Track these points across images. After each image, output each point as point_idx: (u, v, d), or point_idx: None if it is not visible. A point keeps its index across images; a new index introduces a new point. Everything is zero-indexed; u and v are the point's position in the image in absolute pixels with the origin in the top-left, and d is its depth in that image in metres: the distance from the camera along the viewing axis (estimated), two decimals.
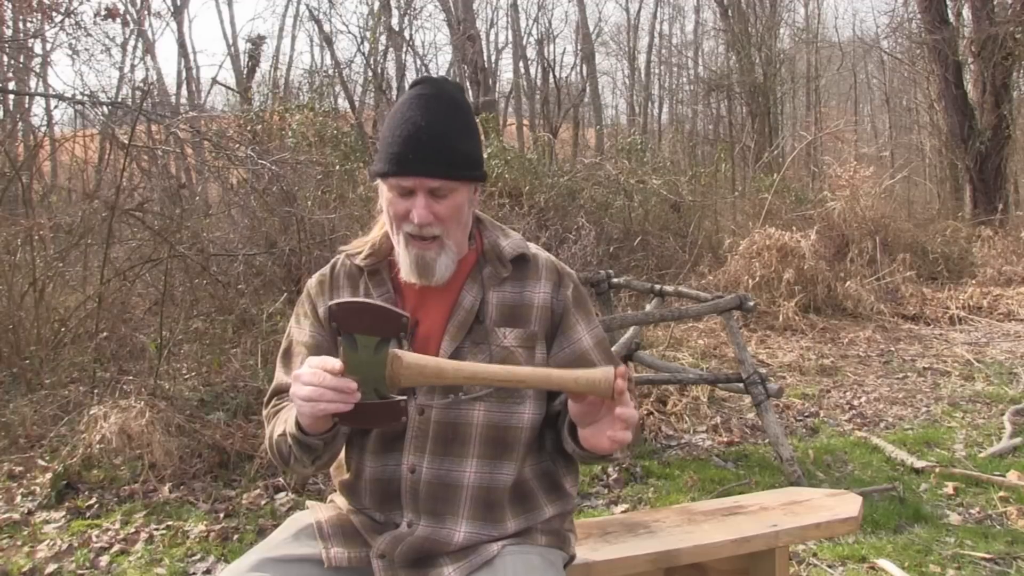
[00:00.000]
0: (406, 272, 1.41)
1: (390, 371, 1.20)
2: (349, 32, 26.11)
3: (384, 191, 1.43)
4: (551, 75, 21.20)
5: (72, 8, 6.52)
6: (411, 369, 1.21)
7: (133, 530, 3.26)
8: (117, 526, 3.30)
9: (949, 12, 13.60)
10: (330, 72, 13.91)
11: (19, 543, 3.15)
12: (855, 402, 5.29)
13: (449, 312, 1.44)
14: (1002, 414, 4.78)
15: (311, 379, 1.20)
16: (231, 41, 22.31)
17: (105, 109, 6.29)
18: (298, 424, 1.28)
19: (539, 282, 1.49)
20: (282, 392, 1.49)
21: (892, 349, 6.88)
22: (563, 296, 1.49)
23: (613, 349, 4.35)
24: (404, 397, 1.23)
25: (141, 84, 9.39)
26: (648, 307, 5.00)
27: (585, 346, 1.48)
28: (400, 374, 1.21)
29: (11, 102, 8.07)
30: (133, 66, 12.22)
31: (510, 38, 22.14)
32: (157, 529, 3.26)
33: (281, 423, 1.37)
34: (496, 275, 1.47)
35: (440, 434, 1.40)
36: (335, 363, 1.20)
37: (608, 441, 1.24)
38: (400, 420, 1.25)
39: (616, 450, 1.28)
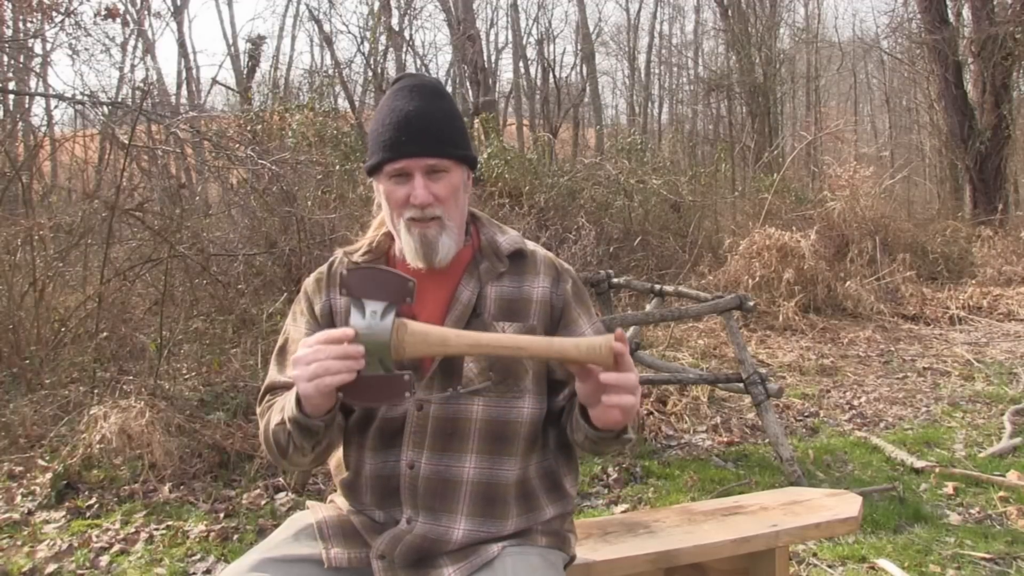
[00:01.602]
0: (411, 256, 1.42)
1: (395, 339, 1.21)
2: (349, 32, 26.23)
3: (380, 185, 1.44)
4: (551, 75, 21.21)
5: (72, 8, 6.53)
6: (415, 337, 1.23)
7: (133, 530, 3.26)
8: (117, 526, 3.30)
9: (949, 12, 13.60)
10: (330, 72, 13.92)
11: (19, 543, 3.15)
12: (855, 402, 5.29)
13: (446, 307, 1.45)
14: (1002, 414, 4.79)
15: (313, 356, 1.20)
16: (231, 41, 22.33)
17: (105, 109, 6.30)
18: (299, 406, 1.27)
19: (537, 277, 1.50)
20: (275, 389, 1.48)
21: (892, 349, 6.88)
22: (562, 291, 1.50)
23: None
24: (409, 372, 1.23)
25: (141, 84, 9.38)
26: (648, 307, 5.00)
27: None
28: (405, 341, 1.22)
29: (11, 102, 8.07)
30: (133, 66, 12.19)
31: (510, 38, 22.16)
32: (157, 529, 3.26)
33: (278, 411, 1.36)
34: (493, 270, 1.48)
35: (439, 429, 1.40)
36: (343, 331, 1.20)
37: (617, 411, 1.24)
38: (404, 396, 1.23)
39: (627, 421, 1.27)
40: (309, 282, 1.55)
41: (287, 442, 1.34)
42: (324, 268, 1.56)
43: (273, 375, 1.51)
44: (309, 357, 1.20)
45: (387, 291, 1.22)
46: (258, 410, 1.49)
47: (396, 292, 1.23)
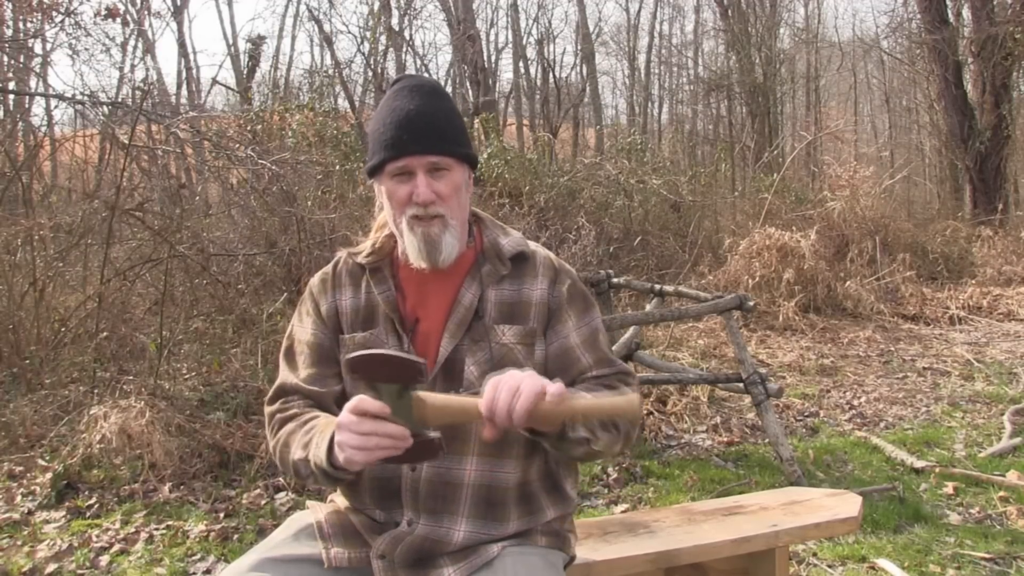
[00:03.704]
0: (414, 256, 1.42)
1: (418, 415, 1.23)
2: (349, 32, 26.22)
3: (382, 186, 1.44)
4: (551, 75, 21.20)
5: (72, 8, 6.53)
6: (436, 410, 1.24)
7: (133, 530, 3.26)
8: (117, 526, 3.30)
9: (949, 12, 13.60)
10: (330, 72, 13.90)
11: (19, 543, 3.15)
12: (855, 402, 5.28)
13: (448, 309, 1.45)
14: (1002, 414, 4.78)
15: (360, 428, 1.20)
16: (231, 41, 22.31)
17: (105, 109, 6.30)
18: (329, 457, 1.27)
19: (536, 279, 1.49)
20: (288, 393, 1.48)
21: (892, 349, 6.87)
22: (558, 292, 1.50)
23: (612, 349, 4.37)
24: (438, 434, 1.25)
25: (141, 84, 9.39)
26: (648, 307, 4.99)
27: (571, 343, 1.48)
28: (427, 415, 1.24)
29: (11, 102, 8.07)
30: (133, 66, 12.20)
31: (510, 38, 22.13)
32: (157, 529, 3.26)
33: (300, 448, 1.35)
34: (495, 272, 1.48)
35: (440, 431, 1.40)
36: (378, 406, 1.21)
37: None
38: (439, 456, 1.27)
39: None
40: (314, 282, 1.55)
41: (307, 476, 1.36)
42: (328, 268, 1.56)
43: (285, 376, 1.50)
44: (355, 427, 1.20)
45: (399, 375, 1.23)
46: (267, 410, 1.48)
47: (408, 376, 1.23)
